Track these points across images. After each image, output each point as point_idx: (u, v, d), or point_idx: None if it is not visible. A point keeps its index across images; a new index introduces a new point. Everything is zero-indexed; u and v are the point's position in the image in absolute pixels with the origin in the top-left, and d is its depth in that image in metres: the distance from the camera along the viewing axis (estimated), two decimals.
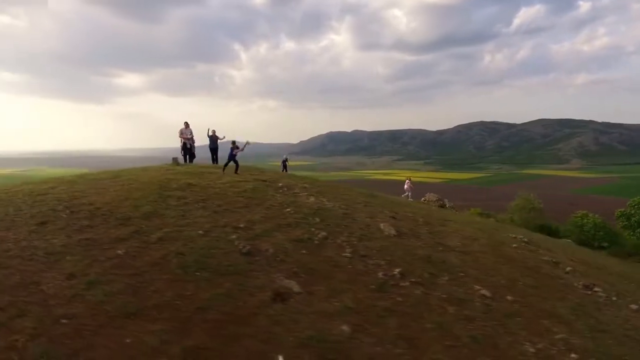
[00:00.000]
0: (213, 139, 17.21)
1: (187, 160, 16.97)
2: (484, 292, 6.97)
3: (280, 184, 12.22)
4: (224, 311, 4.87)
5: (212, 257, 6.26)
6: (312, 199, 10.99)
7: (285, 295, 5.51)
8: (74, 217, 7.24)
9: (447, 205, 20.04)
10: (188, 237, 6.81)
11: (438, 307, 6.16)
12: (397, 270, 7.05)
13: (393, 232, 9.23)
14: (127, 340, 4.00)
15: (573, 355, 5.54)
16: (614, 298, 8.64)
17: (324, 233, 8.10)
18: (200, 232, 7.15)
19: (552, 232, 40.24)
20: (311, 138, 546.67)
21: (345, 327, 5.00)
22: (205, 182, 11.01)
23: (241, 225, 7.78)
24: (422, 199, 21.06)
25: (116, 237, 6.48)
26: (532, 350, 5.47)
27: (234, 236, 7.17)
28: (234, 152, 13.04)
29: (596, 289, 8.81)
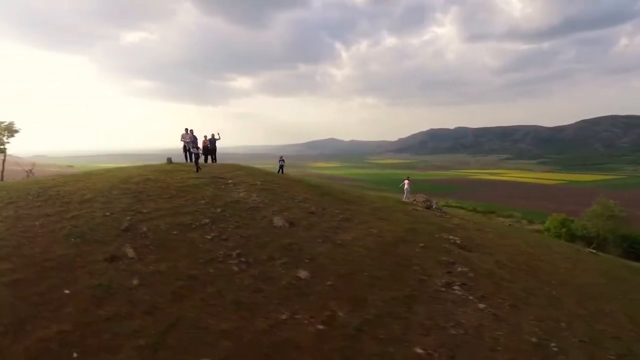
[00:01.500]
0: (211, 141, 20.24)
1: (189, 161, 20.18)
2: (302, 274, 8.25)
3: (230, 181, 14.41)
4: (61, 262, 7.24)
5: (96, 230, 8.72)
6: (242, 194, 12.96)
7: (117, 258, 7.68)
8: (35, 199, 10.41)
9: (433, 207, 20.00)
10: (93, 216, 9.41)
11: (239, 280, 7.72)
12: (237, 251, 8.71)
13: (281, 224, 10.74)
14: None
15: (320, 326, 6.69)
16: (471, 297, 8.95)
17: (207, 220, 10.07)
18: (107, 213, 9.72)
19: (636, 243, 35.71)
20: (411, 135, 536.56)
21: (135, 281, 6.99)
22: (163, 178, 13.73)
23: (144, 211, 10.17)
24: (412, 199, 21.28)
25: (45, 213, 9.37)
26: (283, 317, 6.78)
27: (128, 217, 9.58)
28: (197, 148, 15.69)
29: (455, 287, 9.19)
